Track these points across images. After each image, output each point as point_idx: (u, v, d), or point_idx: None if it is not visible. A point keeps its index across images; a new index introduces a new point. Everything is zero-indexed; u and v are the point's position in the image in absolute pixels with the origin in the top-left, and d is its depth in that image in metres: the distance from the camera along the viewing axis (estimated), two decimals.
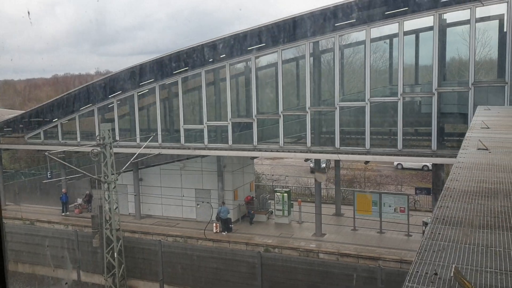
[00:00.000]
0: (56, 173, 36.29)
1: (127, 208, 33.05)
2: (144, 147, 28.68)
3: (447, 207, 6.11)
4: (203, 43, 27.95)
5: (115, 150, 26.39)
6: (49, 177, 33.78)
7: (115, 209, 25.62)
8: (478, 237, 4.98)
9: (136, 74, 30.22)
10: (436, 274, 4.15)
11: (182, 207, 31.72)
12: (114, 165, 24.95)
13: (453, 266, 3.73)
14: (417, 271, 4.16)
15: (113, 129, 28.36)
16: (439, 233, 5.15)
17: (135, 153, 27.92)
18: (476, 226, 4.66)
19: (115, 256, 25.63)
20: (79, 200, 35.26)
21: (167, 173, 32.10)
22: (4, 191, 37.79)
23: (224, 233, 28.86)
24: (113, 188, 25.11)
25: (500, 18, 23.02)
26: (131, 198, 32.91)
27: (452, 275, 3.64)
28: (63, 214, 34.43)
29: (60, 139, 33.62)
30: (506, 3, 21.74)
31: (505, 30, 22.45)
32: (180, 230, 30.12)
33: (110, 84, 31.29)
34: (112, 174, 24.84)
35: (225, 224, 29.09)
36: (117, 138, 29.06)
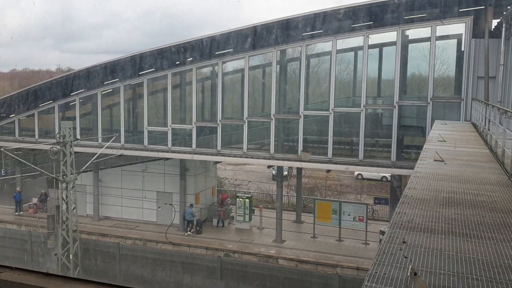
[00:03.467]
0: (11, 170, 35.02)
1: (85, 209, 32.28)
2: (106, 148, 28.14)
3: (405, 213, 6.39)
4: (171, 45, 27.82)
5: (76, 149, 25.77)
6: (3, 174, 32.58)
7: (73, 209, 24.97)
8: (433, 241, 5.25)
9: (101, 73, 29.69)
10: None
11: (142, 209, 31.28)
12: (73, 164, 24.38)
13: (410, 267, 3.94)
14: (376, 272, 4.36)
15: (74, 128, 27.72)
16: (397, 237, 5.40)
17: (96, 153, 27.36)
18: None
19: (71, 258, 24.95)
20: (34, 200, 34.14)
21: (128, 174, 31.61)
22: None
23: (189, 234, 29.06)
24: (72, 188, 24.51)
25: (458, 37, 24.10)
26: (90, 199, 32.18)
27: (409, 275, 3.84)
28: (17, 213, 33.23)
29: (17, 135, 32.52)
30: (464, 23, 22.80)
31: (462, 49, 23.53)
32: (140, 233, 29.68)
33: (73, 82, 30.60)
34: (71, 173, 24.25)
35: (188, 225, 29.33)
36: (78, 137, 28.41)
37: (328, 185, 43.17)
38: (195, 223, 29.51)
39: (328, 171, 29.05)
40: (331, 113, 24.97)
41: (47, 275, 1.35)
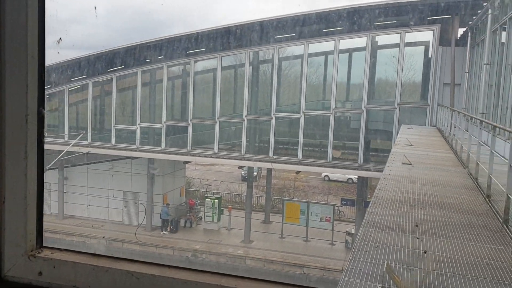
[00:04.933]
0: None
1: (50, 207, 31.47)
2: (72, 145, 27.53)
3: (377, 213, 6.62)
4: (141, 42, 27.52)
5: None
6: None
7: None
8: (404, 240, 5.47)
9: (69, 69, 29.06)
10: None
11: (108, 209, 30.75)
12: None
13: (386, 263, 4.12)
14: (352, 268, 4.52)
15: None
16: (370, 235, 5.59)
17: (63, 151, 26.73)
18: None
19: None
20: None
21: (95, 173, 31.02)
22: None
23: (164, 233, 29.12)
24: None
25: (426, 44, 24.86)
26: (55, 197, 31.40)
27: (384, 270, 4.02)
28: None
29: None
30: (432, 31, 23.55)
31: (430, 56, 24.30)
32: (105, 232, 29.19)
33: None
34: None
35: (164, 224, 29.44)
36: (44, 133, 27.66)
37: (296, 186, 43.61)
38: (169, 222, 29.47)
39: (297, 172, 29.36)
40: (301, 116, 25.28)
41: (95, 255, 1.45)
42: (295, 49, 26.49)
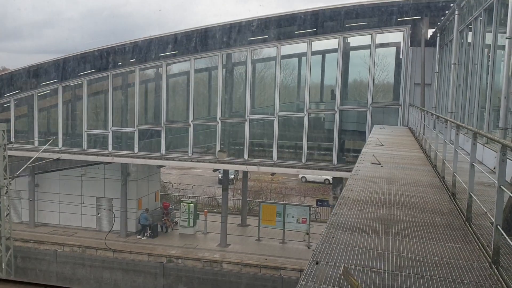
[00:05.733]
0: None
1: (20, 215, 30.69)
2: (42, 151, 26.88)
3: (342, 214, 6.53)
4: (112, 45, 27.06)
5: (10, 152, 24.46)
6: None
7: (6, 215, 23.66)
8: (367, 241, 5.39)
9: (37, 73, 28.39)
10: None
11: (81, 215, 30.15)
12: (7, 168, 23.11)
13: (342, 265, 4.02)
14: (311, 271, 4.41)
15: (8, 130, 26.29)
16: (333, 237, 5.50)
17: (32, 157, 26.08)
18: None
19: (3, 267, 23.59)
20: None
21: (66, 179, 30.37)
22: None
23: (142, 237, 29.08)
24: (5, 193, 23.21)
25: (397, 45, 25.12)
26: (25, 205, 30.63)
27: (341, 273, 3.91)
28: None
29: None
30: (402, 32, 23.81)
31: (401, 56, 24.56)
32: (78, 239, 28.58)
33: (7, 82, 29.05)
34: (5, 178, 22.97)
35: (143, 230, 29.34)
36: (13, 139, 26.97)
37: (273, 188, 43.61)
38: (148, 228, 29.15)
39: (273, 174, 29.29)
40: (276, 117, 25.24)
41: None
42: (269, 51, 26.45)
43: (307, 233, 27.84)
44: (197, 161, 27.07)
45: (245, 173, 32.28)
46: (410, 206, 7.10)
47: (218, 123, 26.05)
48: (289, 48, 26.02)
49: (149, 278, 24.98)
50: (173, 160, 27.41)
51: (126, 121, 28.18)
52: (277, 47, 25.07)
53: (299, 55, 26.91)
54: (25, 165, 25.89)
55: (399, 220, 6.34)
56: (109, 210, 29.31)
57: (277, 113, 25.23)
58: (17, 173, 25.25)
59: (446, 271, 4.50)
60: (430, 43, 24.17)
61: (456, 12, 16.27)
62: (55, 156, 27.99)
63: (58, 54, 28.46)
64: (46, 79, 28.57)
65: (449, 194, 7.75)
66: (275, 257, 25.99)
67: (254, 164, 26.08)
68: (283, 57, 25.75)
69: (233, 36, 25.42)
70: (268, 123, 25.89)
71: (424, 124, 14.03)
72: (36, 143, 28.42)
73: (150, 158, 27.38)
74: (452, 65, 16.57)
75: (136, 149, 27.32)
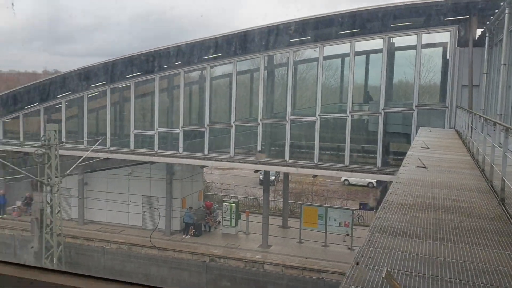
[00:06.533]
0: None
1: (70, 212, 31.98)
2: (91, 151, 27.97)
3: (385, 218, 6.48)
4: (159, 49, 27.81)
5: (61, 152, 25.57)
6: None
7: (57, 213, 24.76)
8: (410, 245, 5.34)
9: (87, 76, 29.54)
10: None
11: (128, 213, 31.09)
12: (58, 167, 24.18)
13: (385, 269, 4.02)
14: (353, 274, 4.43)
15: (60, 131, 27.52)
16: (376, 241, 5.48)
17: (82, 157, 27.17)
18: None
19: (54, 262, 24.69)
20: (18, 203, 33.75)
21: (114, 178, 31.41)
22: None
23: (186, 236, 29.54)
24: (57, 191, 24.30)
25: (444, 45, 24.45)
26: (75, 203, 31.89)
27: (383, 277, 3.92)
28: (0, 216, 32.82)
29: (1, 137, 32.18)
30: (449, 32, 23.16)
31: (447, 57, 23.88)
32: (125, 237, 29.48)
33: (59, 84, 30.39)
34: (56, 176, 24.05)
35: (187, 228, 29.76)
36: (64, 139, 28.18)
37: (314, 191, 43.33)
38: (192, 227, 29.75)
39: (314, 176, 29.17)
40: (317, 119, 25.14)
41: (22, 266, 1.37)
42: (311, 52, 26.37)
43: (347, 234, 27.56)
44: (239, 162, 27.36)
45: (286, 174, 32.30)
46: (456, 211, 6.95)
47: (259, 124, 26.23)
48: (331, 49, 25.85)
49: (193, 276, 25.44)
50: (216, 160, 27.82)
51: (171, 122, 28.87)
52: (319, 48, 24.96)
53: (342, 56, 26.68)
54: (75, 164, 26.99)
55: (444, 224, 6.23)
56: (155, 208, 30.06)
57: (318, 115, 25.11)
58: (68, 171, 26.35)
59: (494, 278, 4.40)
60: (479, 43, 23.35)
61: (507, 11, 15.69)
62: (104, 155, 29.03)
63: (107, 57, 29.44)
64: (96, 81, 29.68)
65: (497, 199, 7.53)
66: (317, 260, 25.87)
67: (295, 166, 26.07)
68: (326, 58, 25.60)
69: (274, 38, 25.53)
70: (309, 124, 25.82)
71: (471, 127, 13.62)
72: (85, 143, 29.58)
73: (193, 158, 27.92)
74: (502, 66, 15.98)
75: (180, 149, 27.93)
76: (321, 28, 24.98)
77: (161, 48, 27.71)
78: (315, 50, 25.45)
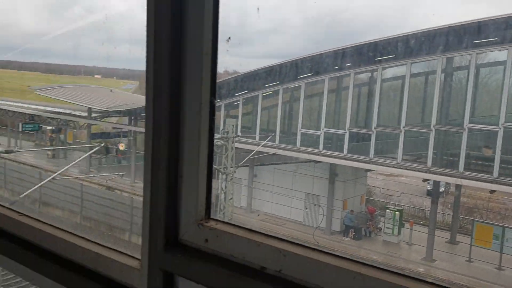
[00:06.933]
0: None
1: (240, 200, 34.49)
2: (262, 146, 29.79)
3: None
4: (329, 50, 28.22)
5: (236, 145, 27.83)
6: None
7: (230, 199, 27.00)
8: None
9: (263, 76, 31.50)
10: None
11: (291, 208, 32.28)
12: (234, 158, 26.36)
13: None
14: None
15: (236, 125, 29.91)
16: None
17: (253, 150, 29.14)
18: None
19: None
20: None
21: (280, 173, 32.91)
22: None
23: (346, 239, 29.55)
24: (231, 180, 26.55)
25: None
26: (244, 192, 34.30)
27: None
28: None
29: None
30: None
31: None
32: (287, 230, 30.68)
33: (238, 84, 33.02)
34: (231, 166, 26.27)
35: (348, 231, 29.78)
36: (239, 133, 30.60)
37: (490, 207, 39.07)
38: (353, 230, 29.68)
39: (492, 191, 26.41)
40: (500, 128, 22.68)
41: (251, 230, 1.55)
42: (497, 54, 23.89)
43: None
44: (406, 169, 26.24)
45: (458, 186, 29.84)
46: None
47: (431, 130, 24.76)
48: None
49: None
50: (381, 165, 27.17)
51: (337, 123, 29.09)
52: (508, 51, 22.46)
53: None
54: (248, 157, 29.10)
55: None
56: (319, 205, 30.61)
57: (502, 124, 22.62)
58: (241, 163, 28.56)
59: None
60: None
61: None
62: (272, 151, 30.68)
63: (282, 59, 30.93)
64: (270, 81, 31.48)
65: None
66: (489, 283, 23.43)
67: (470, 178, 23.97)
68: None
69: (455, 39, 23.79)
70: (489, 134, 23.43)
71: None
72: (257, 138, 31.64)
73: (358, 161, 27.71)
74: None
75: (345, 151, 27.97)
76: (510, 29, 22.44)
77: (332, 50, 28.10)
78: (508, 51, 22.97)
